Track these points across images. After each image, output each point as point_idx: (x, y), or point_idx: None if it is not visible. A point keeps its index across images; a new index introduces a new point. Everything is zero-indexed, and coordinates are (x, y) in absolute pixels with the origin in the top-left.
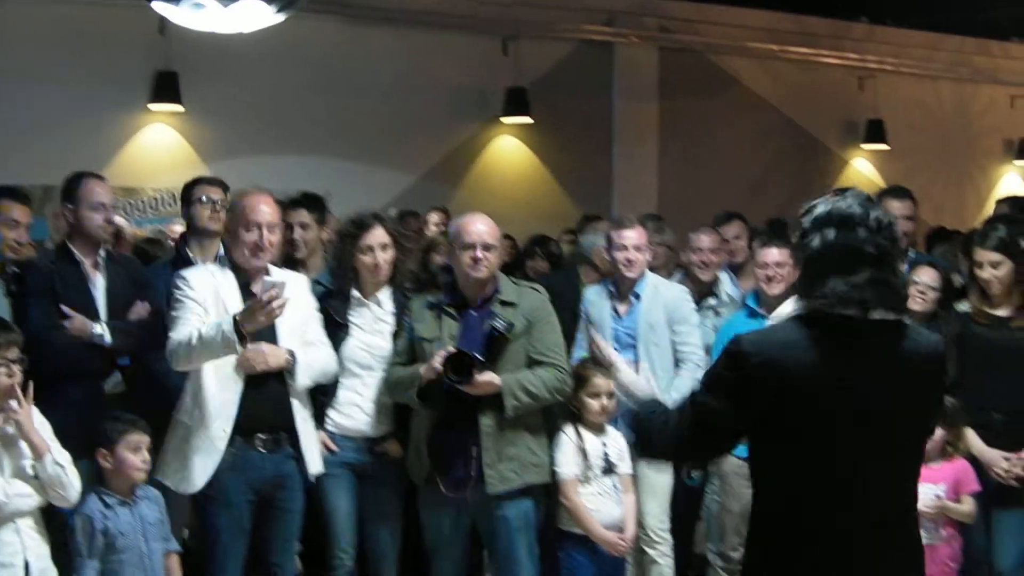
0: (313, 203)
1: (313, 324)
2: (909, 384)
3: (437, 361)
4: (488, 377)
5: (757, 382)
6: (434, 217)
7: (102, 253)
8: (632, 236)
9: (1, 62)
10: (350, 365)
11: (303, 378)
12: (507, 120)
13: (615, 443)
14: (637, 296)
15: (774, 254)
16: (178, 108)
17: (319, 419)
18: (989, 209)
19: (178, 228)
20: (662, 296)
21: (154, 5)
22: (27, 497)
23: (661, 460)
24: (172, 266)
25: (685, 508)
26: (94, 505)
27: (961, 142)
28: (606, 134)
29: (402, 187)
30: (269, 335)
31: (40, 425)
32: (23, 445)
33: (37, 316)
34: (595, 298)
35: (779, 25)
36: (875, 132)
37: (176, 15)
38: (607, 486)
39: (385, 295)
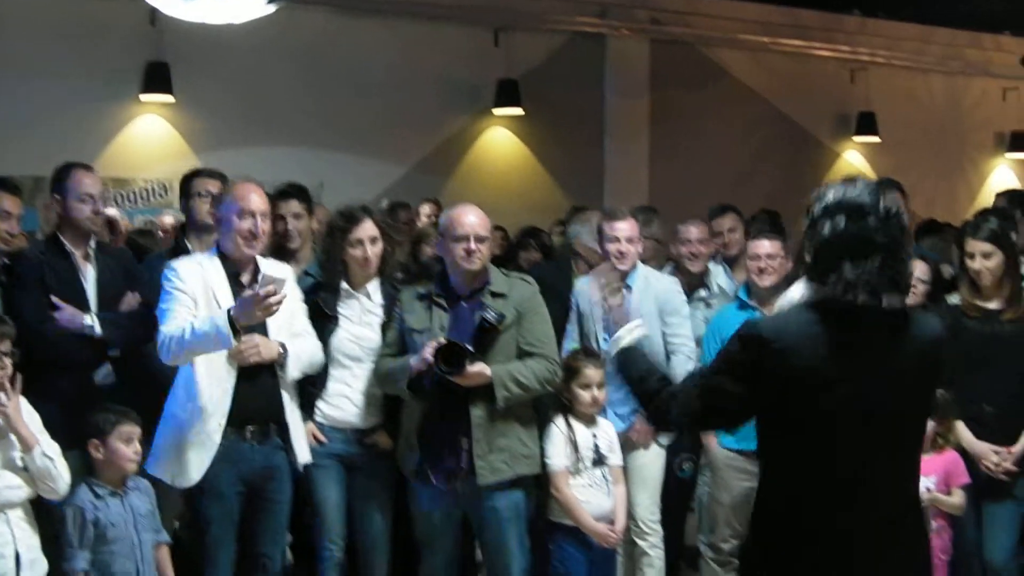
0: (301, 193)
1: (300, 315)
2: (913, 377)
3: (428, 352)
4: (479, 368)
5: (771, 369)
6: (425, 209)
7: (92, 244)
8: (624, 228)
9: None
10: (339, 357)
11: (293, 370)
12: (498, 112)
13: (605, 434)
14: (628, 287)
15: (765, 246)
16: (169, 99)
17: (308, 410)
18: (980, 202)
19: (168, 220)
20: (653, 288)
21: None
22: (16, 489)
23: (663, 428)
24: (171, 258)
25: (676, 500)
26: (85, 496)
27: (953, 135)
28: (597, 126)
29: (393, 178)
30: (259, 327)
31: (29, 417)
32: (12, 437)
33: (27, 307)
34: (586, 289)
35: (771, 17)
36: (867, 125)
37: (167, 6)
38: (597, 477)
39: (374, 287)
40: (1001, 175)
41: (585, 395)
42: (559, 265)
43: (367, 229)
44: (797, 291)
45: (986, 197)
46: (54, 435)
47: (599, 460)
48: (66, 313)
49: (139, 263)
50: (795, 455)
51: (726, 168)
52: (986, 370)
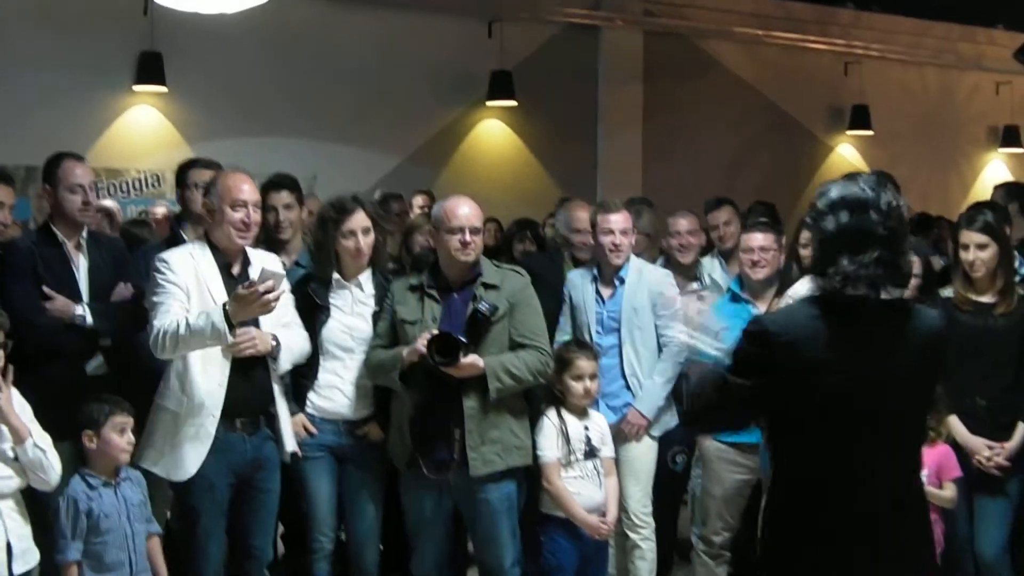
0: (291, 184)
1: (288, 305)
2: (914, 371)
3: (421, 343)
4: (472, 359)
5: (781, 362)
6: (418, 200)
7: (84, 234)
8: (618, 220)
9: None
10: (331, 348)
11: (285, 362)
12: (492, 103)
13: (597, 427)
14: (621, 280)
15: (758, 239)
16: (162, 89)
17: (299, 401)
18: (973, 196)
19: (160, 211)
20: (646, 280)
21: None
22: (7, 479)
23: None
24: (167, 248)
25: (669, 492)
26: (78, 486)
27: (946, 129)
28: (591, 117)
29: (386, 169)
30: (252, 319)
31: (20, 408)
32: (4, 428)
33: (19, 297)
34: (579, 281)
35: (765, 10)
36: (860, 118)
37: None
38: (589, 470)
39: (366, 277)
40: (994, 169)
41: (577, 387)
42: (552, 257)
43: (359, 220)
44: (803, 286)
45: (979, 191)
46: (46, 426)
47: (591, 452)
48: (58, 303)
49: (133, 253)
50: (803, 452)
51: (719, 160)
52: (978, 363)
